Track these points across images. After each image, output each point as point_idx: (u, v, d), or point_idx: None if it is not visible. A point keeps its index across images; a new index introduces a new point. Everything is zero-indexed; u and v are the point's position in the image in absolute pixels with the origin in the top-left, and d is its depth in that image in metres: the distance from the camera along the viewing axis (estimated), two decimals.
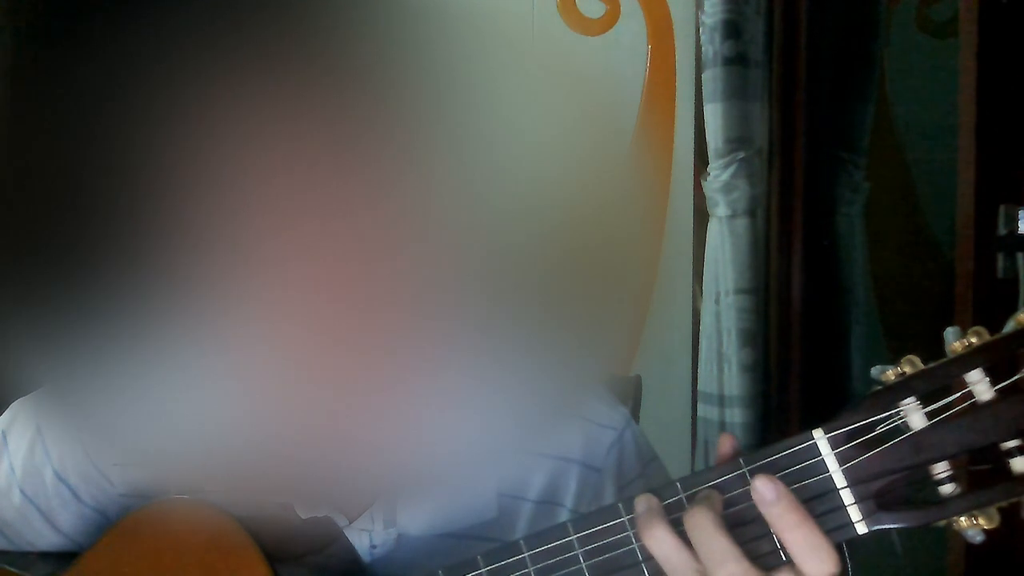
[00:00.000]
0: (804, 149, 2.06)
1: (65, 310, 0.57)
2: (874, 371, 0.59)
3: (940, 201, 2.23)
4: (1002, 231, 1.39)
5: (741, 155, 1.97)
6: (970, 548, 0.58)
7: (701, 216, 2.11)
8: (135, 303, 0.56)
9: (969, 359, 0.57)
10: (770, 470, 0.59)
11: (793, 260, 2.07)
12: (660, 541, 0.59)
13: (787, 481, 0.58)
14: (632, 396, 1.34)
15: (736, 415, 2.00)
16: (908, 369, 0.58)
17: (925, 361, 0.58)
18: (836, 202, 2.19)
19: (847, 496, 0.58)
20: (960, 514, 0.57)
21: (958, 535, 0.58)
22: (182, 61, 0.53)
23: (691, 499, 0.60)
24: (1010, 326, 0.57)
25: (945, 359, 0.58)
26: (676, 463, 1.04)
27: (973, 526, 0.57)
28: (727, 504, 0.59)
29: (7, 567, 0.75)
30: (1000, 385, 0.56)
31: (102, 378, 0.60)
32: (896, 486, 0.58)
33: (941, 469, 0.58)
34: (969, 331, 0.57)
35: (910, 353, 0.59)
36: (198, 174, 0.54)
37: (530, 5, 2.05)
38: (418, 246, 0.59)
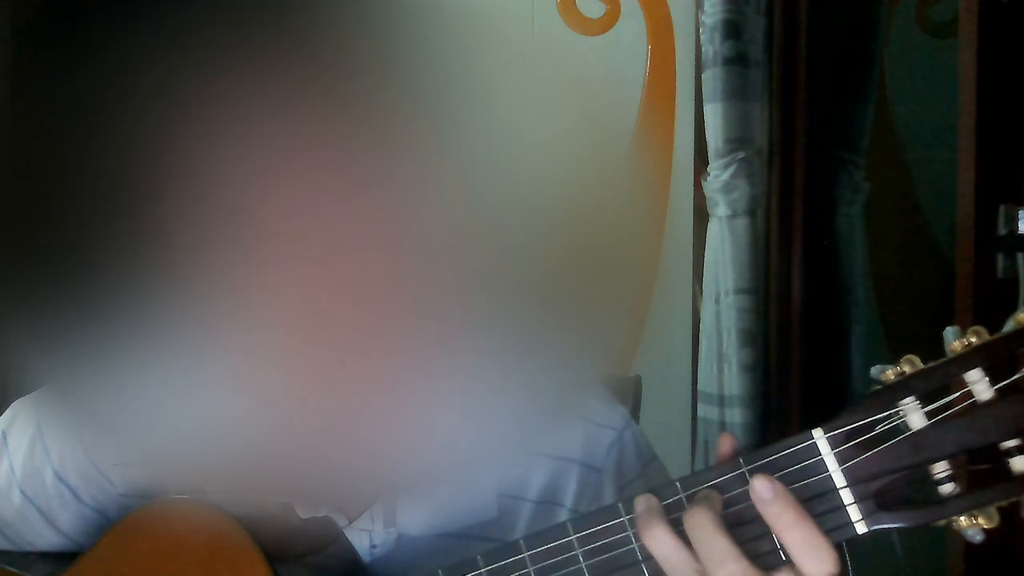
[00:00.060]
0: (804, 149, 2.06)
1: (65, 310, 0.57)
2: (874, 371, 0.59)
3: (940, 201, 2.23)
4: (1002, 231, 1.39)
5: (741, 155, 1.97)
6: (970, 548, 0.58)
7: (701, 216, 2.11)
8: (135, 303, 0.56)
9: (969, 359, 0.57)
10: (770, 470, 0.59)
11: (793, 260, 2.07)
12: (659, 541, 0.59)
13: (787, 481, 0.58)
14: (632, 396, 1.34)
15: (736, 415, 2.00)
16: (908, 369, 0.58)
17: (925, 361, 0.58)
18: (836, 202, 2.19)
19: (847, 496, 0.58)
20: (960, 514, 0.57)
21: (958, 535, 0.58)
22: (182, 60, 0.53)
23: (691, 499, 0.60)
24: (1010, 326, 0.57)
25: (945, 359, 0.58)
26: (676, 463, 1.04)
27: (973, 526, 0.57)
28: (727, 504, 0.59)
29: (7, 567, 0.75)
30: (1000, 385, 0.56)
31: (102, 378, 0.60)
32: (896, 486, 0.58)
33: (941, 469, 0.58)
34: (969, 331, 0.57)
35: (910, 353, 0.59)
36: (198, 173, 0.54)
37: (530, 5, 2.05)
38: (418, 246, 0.59)
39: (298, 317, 0.59)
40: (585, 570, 0.62)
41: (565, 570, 0.62)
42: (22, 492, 0.77)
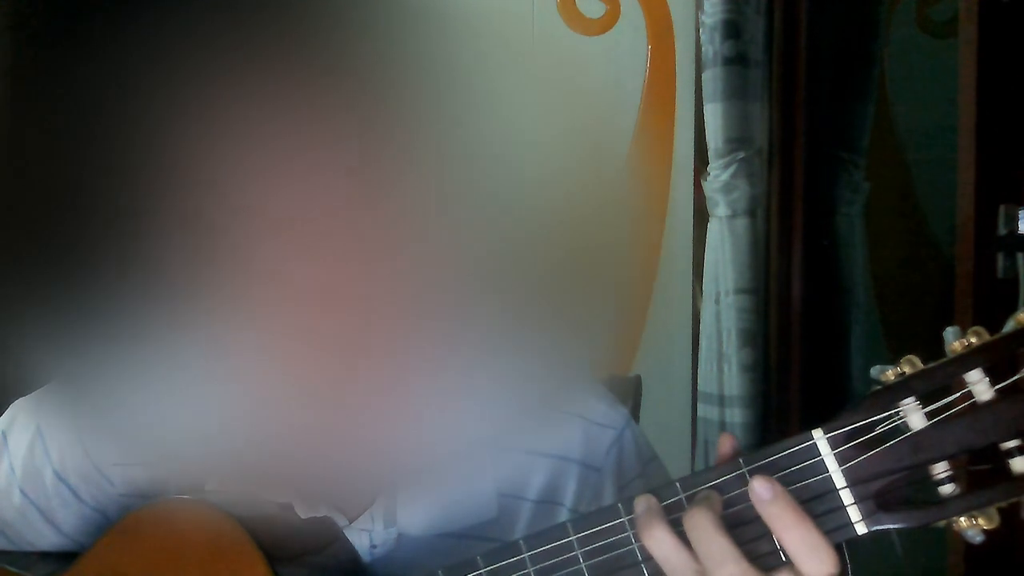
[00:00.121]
0: (804, 149, 2.06)
1: (66, 310, 0.57)
2: (874, 371, 0.59)
3: (940, 201, 2.23)
4: (1002, 231, 1.39)
5: (741, 155, 1.97)
6: (970, 548, 0.58)
7: (701, 216, 2.11)
8: (136, 303, 0.56)
9: (969, 359, 0.57)
10: (770, 470, 0.59)
11: (793, 260, 2.08)
12: (659, 541, 0.59)
13: (787, 481, 0.58)
14: (632, 396, 1.34)
15: (736, 415, 2.00)
16: (908, 369, 0.58)
17: (925, 361, 0.58)
18: (836, 202, 2.20)
19: (847, 496, 0.58)
20: (960, 514, 0.57)
21: (958, 535, 0.58)
22: (182, 61, 0.53)
23: (691, 499, 0.60)
24: (1010, 326, 0.57)
25: (945, 359, 0.58)
26: (676, 463, 1.04)
27: (973, 526, 0.57)
28: (727, 504, 0.59)
29: (7, 567, 0.75)
30: (1000, 385, 0.56)
31: (103, 378, 0.60)
32: (896, 486, 0.58)
33: (941, 469, 0.58)
34: (969, 331, 0.57)
35: (910, 353, 0.59)
36: (198, 174, 0.54)
37: (530, 5, 2.05)
38: (417, 246, 0.59)
39: (298, 317, 0.59)
40: (585, 570, 0.62)
41: (565, 570, 0.62)
42: (22, 492, 0.77)
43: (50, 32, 0.55)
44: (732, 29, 1.95)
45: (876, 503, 0.58)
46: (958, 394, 0.57)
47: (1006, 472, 0.57)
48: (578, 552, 0.62)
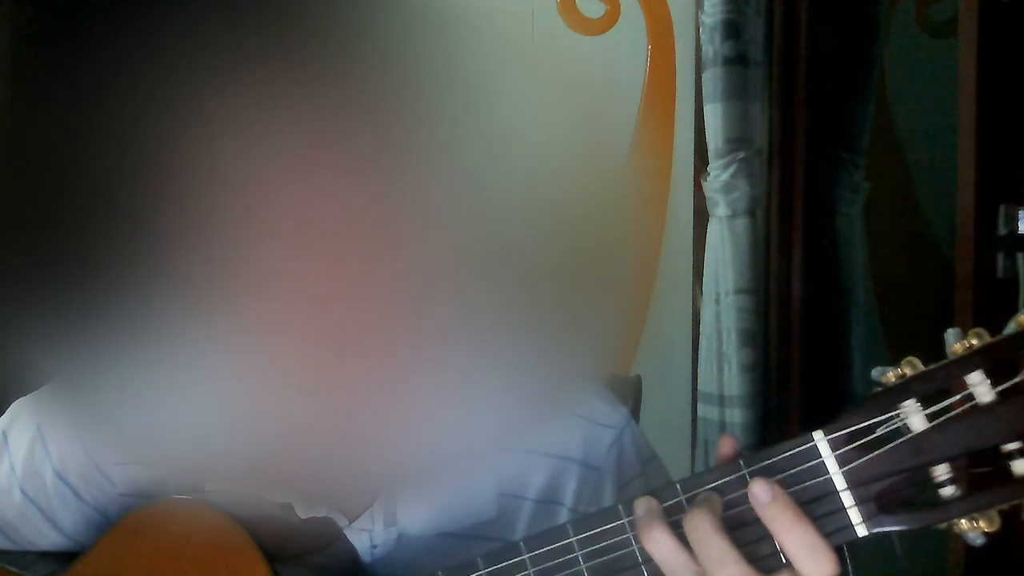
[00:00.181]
0: (804, 149, 2.06)
1: (66, 310, 0.57)
2: (875, 373, 0.59)
3: (940, 201, 2.23)
4: (1002, 231, 1.39)
5: (741, 155, 1.97)
6: (970, 549, 0.58)
7: (701, 216, 2.11)
8: (136, 303, 0.56)
9: (970, 361, 0.57)
10: (770, 472, 0.59)
11: (793, 260, 2.08)
12: (659, 543, 0.59)
13: (787, 483, 0.58)
14: (632, 396, 1.34)
15: (736, 415, 2.00)
16: (909, 371, 0.58)
17: (926, 363, 0.58)
18: (836, 202, 2.20)
19: (847, 498, 0.58)
20: (961, 517, 0.56)
21: (959, 537, 0.57)
22: (182, 60, 0.53)
23: (691, 501, 0.60)
24: (1011, 328, 0.57)
25: (946, 361, 0.58)
26: (676, 463, 1.04)
27: (974, 529, 0.57)
28: (727, 506, 0.59)
29: (8, 567, 0.75)
30: (1001, 387, 0.56)
31: (103, 377, 0.60)
32: (897, 488, 0.58)
33: (942, 471, 0.58)
34: (970, 333, 0.57)
35: (910, 353, 0.59)
36: (198, 173, 0.54)
37: (530, 5, 2.05)
38: (418, 246, 0.59)
39: (297, 317, 0.59)
40: (585, 572, 0.62)
41: (565, 572, 0.62)
42: (22, 491, 0.77)
43: (50, 32, 0.55)
44: (732, 29, 1.95)
45: (877, 505, 0.58)
46: (959, 396, 0.57)
47: (1007, 474, 0.56)
48: (578, 553, 0.62)
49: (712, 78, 1.98)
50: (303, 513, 0.71)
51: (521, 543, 0.63)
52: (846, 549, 0.58)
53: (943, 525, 0.57)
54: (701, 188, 2.08)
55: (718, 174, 2.00)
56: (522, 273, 0.62)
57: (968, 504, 0.57)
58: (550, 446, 0.78)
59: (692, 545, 0.58)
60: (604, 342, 0.69)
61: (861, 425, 0.58)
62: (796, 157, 2.06)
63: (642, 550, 0.60)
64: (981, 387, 0.57)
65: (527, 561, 0.62)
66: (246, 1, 0.55)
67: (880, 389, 0.59)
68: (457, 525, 0.74)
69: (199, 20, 0.54)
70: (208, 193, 0.55)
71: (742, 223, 2.01)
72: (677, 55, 2.16)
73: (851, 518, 0.58)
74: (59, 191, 0.55)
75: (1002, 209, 1.40)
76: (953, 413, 0.57)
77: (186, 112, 0.54)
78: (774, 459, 0.59)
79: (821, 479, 0.58)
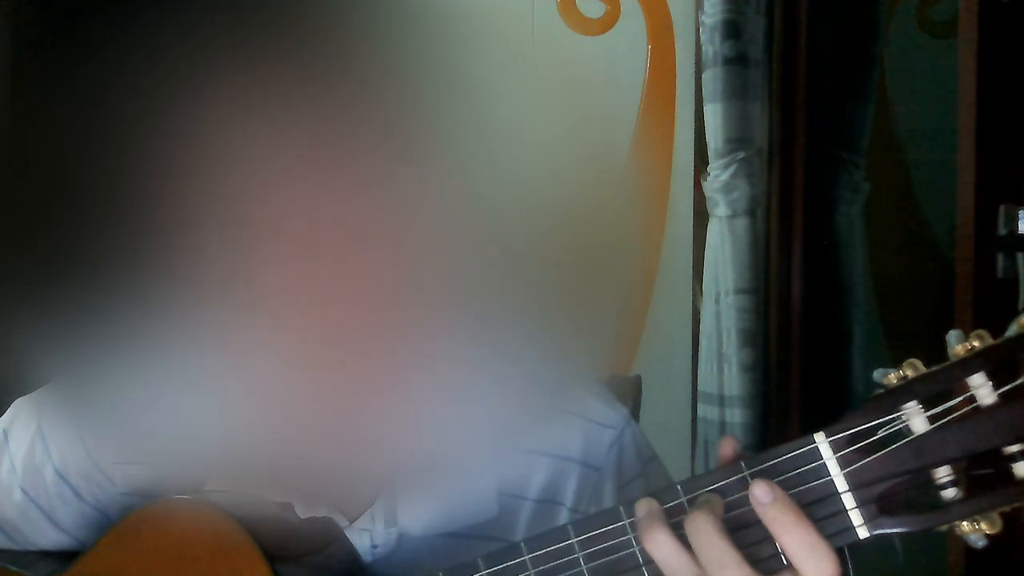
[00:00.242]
0: (804, 149, 2.06)
1: (66, 309, 0.57)
2: (876, 374, 0.59)
3: (940, 201, 2.23)
4: (1002, 231, 1.39)
5: (741, 155, 1.97)
6: (970, 550, 0.58)
7: (701, 216, 2.11)
8: (136, 302, 0.56)
9: (971, 363, 0.57)
10: (771, 474, 0.59)
11: (793, 260, 2.08)
12: (660, 545, 0.59)
13: (788, 485, 0.58)
14: (632, 396, 1.34)
15: (736, 415, 2.00)
16: (910, 372, 0.58)
17: (927, 364, 0.58)
18: (836, 202, 2.20)
19: (848, 500, 0.58)
20: (962, 519, 0.56)
21: (960, 538, 0.57)
22: (182, 61, 0.53)
23: (692, 503, 0.60)
24: (1013, 329, 0.57)
25: (947, 363, 0.58)
26: (676, 463, 1.04)
27: (975, 531, 0.56)
28: (728, 508, 0.59)
29: (8, 566, 0.75)
30: (1003, 389, 0.56)
31: (104, 377, 0.60)
32: (898, 490, 0.58)
33: (943, 473, 0.58)
34: (971, 334, 0.57)
35: (910, 353, 0.59)
36: (198, 173, 0.54)
37: (530, 5, 2.05)
38: (418, 246, 0.59)
39: (298, 316, 0.59)
40: (586, 573, 0.61)
41: (567, 573, 0.62)
42: (23, 490, 0.77)
43: (50, 32, 0.55)
44: (732, 29, 1.95)
45: (878, 507, 0.57)
46: (961, 398, 0.57)
47: (1008, 476, 0.56)
48: (579, 555, 0.62)
49: (712, 78, 1.98)
50: (303, 513, 0.71)
51: (522, 544, 0.63)
52: (847, 550, 0.58)
53: (944, 527, 0.57)
54: (701, 188, 2.08)
55: (718, 174, 2.00)
56: (522, 273, 0.62)
57: (969, 506, 0.56)
58: (550, 446, 0.78)
59: (693, 547, 0.58)
60: (604, 342, 0.69)
61: (863, 427, 0.58)
62: (796, 157, 2.06)
63: (643, 551, 0.60)
64: (983, 389, 0.57)
65: (528, 562, 0.62)
66: (246, 1, 0.55)
67: (882, 391, 0.59)
68: (458, 525, 0.74)
69: (199, 20, 0.54)
70: (208, 193, 0.55)
71: (742, 223, 2.01)
72: (677, 55, 2.16)
73: (852, 520, 0.58)
74: (59, 191, 0.55)
75: (1002, 209, 1.40)
76: (955, 415, 0.57)
77: (186, 112, 0.54)
78: (775, 461, 0.59)
79: (822, 481, 0.58)
